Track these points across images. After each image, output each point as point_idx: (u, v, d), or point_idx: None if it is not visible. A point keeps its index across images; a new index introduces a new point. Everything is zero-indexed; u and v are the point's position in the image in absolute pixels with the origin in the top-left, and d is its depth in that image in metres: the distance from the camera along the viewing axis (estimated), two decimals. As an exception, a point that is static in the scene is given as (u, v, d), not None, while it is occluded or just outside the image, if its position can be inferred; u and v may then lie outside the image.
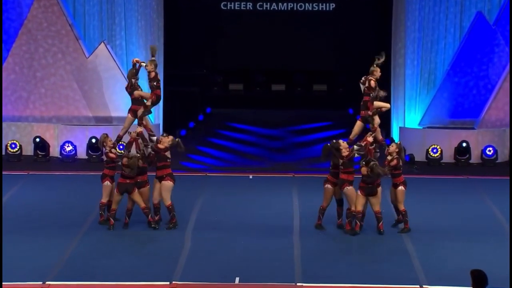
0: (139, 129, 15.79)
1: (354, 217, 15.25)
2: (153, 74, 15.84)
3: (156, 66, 15.95)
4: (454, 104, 22.76)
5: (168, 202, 15.45)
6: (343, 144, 15.27)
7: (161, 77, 22.88)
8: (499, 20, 22.60)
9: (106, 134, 15.91)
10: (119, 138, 16.31)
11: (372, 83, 15.56)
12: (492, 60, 22.65)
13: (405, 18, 22.87)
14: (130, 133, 15.86)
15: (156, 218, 15.63)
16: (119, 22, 23.02)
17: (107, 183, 15.73)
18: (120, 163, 15.65)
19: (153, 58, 15.96)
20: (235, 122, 23.79)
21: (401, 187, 15.39)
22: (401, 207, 15.43)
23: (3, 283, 11.95)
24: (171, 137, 15.61)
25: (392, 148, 15.37)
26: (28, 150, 22.35)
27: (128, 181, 15.35)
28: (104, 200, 15.78)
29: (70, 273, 13.09)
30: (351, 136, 15.73)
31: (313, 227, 15.60)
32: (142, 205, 15.47)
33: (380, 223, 15.21)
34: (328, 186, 15.51)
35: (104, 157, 16.00)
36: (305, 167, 21.20)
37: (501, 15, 22.59)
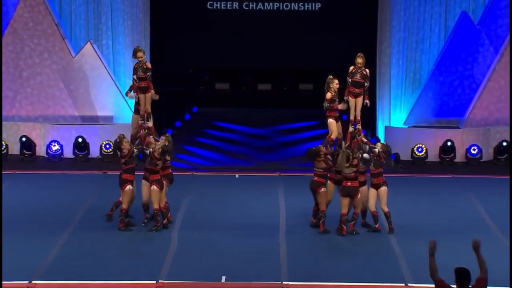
0: (150, 124, 15.84)
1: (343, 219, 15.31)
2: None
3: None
4: (439, 103, 22.81)
5: (156, 205, 15.46)
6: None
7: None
8: (483, 19, 22.66)
9: (123, 135, 15.69)
10: (133, 138, 16.08)
11: (328, 95, 15.58)
12: (477, 59, 22.71)
13: (391, 18, 22.89)
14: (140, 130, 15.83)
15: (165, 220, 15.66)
16: (106, 22, 22.96)
17: (129, 187, 15.44)
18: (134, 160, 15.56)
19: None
20: (222, 121, 23.77)
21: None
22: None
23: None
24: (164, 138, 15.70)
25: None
26: (15, 149, 22.27)
27: (170, 170, 15.40)
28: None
29: (57, 272, 13.08)
30: (332, 136, 15.64)
31: (299, 226, 15.62)
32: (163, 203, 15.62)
33: (321, 221, 15.21)
34: (329, 183, 15.57)
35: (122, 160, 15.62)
36: (291, 166, 21.20)
37: (485, 15, 22.65)
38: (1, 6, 22.20)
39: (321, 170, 15.23)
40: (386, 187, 15.33)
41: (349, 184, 15.12)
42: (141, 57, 16.16)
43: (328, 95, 15.58)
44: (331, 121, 15.65)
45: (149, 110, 16.13)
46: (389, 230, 15.30)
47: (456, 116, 22.85)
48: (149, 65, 16.31)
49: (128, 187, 15.36)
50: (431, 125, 22.87)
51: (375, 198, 15.31)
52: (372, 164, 15.33)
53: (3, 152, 21.89)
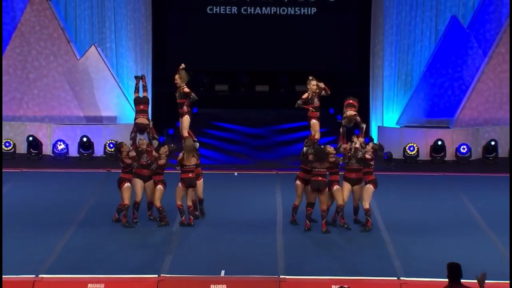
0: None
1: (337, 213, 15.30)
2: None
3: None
4: (430, 104, 22.83)
5: (159, 203, 15.50)
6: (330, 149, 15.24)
7: (149, 78, 23.03)
8: (472, 24, 22.69)
9: (123, 142, 15.63)
10: (188, 137, 15.81)
11: (305, 95, 15.56)
12: (466, 62, 22.73)
13: (383, 22, 22.91)
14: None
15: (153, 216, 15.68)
16: (109, 26, 22.97)
17: (127, 185, 15.43)
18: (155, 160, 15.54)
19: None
20: (221, 122, 23.75)
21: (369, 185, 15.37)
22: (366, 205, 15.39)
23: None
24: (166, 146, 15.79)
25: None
26: (22, 148, 22.28)
27: (190, 175, 15.31)
28: (127, 202, 15.43)
29: (62, 266, 13.08)
30: (317, 136, 15.51)
31: (295, 222, 15.60)
32: (201, 196, 15.88)
33: (323, 221, 15.08)
34: (298, 182, 15.55)
35: (121, 163, 15.53)
36: (287, 164, 21.19)
37: (474, 19, 22.68)
38: (1, 8, 22.21)
39: (324, 169, 15.15)
40: (372, 185, 15.23)
41: (319, 179, 15.09)
42: (176, 80, 15.64)
43: (305, 95, 15.59)
44: (314, 122, 15.57)
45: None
46: (365, 228, 15.20)
47: (446, 117, 22.87)
48: (186, 90, 15.64)
49: (126, 184, 15.39)
50: (422, 125, 22.89)
51: (368, 194, 15.29)
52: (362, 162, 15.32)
53: (11, 151, 21.90)
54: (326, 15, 23.99)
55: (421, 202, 17.56)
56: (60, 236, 14.66)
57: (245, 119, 23.80)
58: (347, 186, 15.36)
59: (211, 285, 12.38)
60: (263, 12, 24.07)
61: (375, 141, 22.80)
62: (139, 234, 14.98)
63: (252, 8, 23.99)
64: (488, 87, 22.55)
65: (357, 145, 15.23)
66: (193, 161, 15.39)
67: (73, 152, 22.16)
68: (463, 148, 22.11)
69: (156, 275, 12.67)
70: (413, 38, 23.01)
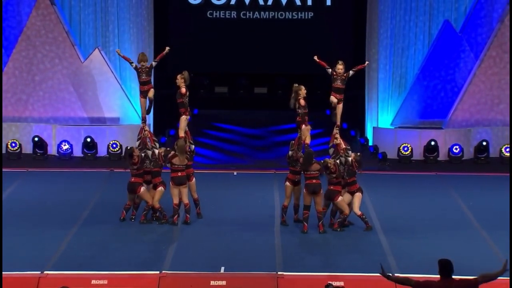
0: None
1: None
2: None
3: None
4: (424, 105, 22.84)
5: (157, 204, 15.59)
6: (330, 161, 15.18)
7: (152, 80, 22.98)
8: (464, 28, 22.71)
9: (134, 147, 15.61)
10: (182, 137, 15.73)
11: (302, 101, 15.50)
12: (458, 65, 22.75)
13: (378, 26, 22.93)
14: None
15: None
16: (113, 30, 22.98)
17: (143, 189, 15.48)
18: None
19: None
20: (221, 123, 23.75)
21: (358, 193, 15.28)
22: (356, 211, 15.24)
23: (3, 273, 11.96)
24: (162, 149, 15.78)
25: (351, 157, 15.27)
26: (28, 148, 22.28)
27: (180, 174, 15.29)
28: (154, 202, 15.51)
29: (67, 263, 13.08)
30: (307, 141, 15.46)
31: (292, 219, 15.60)
32: (195, 196, 15.80)
33: (320, 222, 15.01)
34: (287, 184, 15.53)
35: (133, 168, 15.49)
36: (285, 164, 21.14)
37: (466, 24, 22.70)
38: (1, 8, 22.22)
39: (316, 172, 15.08)
40: (360, 193, 15.18)
41: (314, 181, 15.03)
42: (177, 80, 16.15)
43: (302, 102, 15.56)
44: (305, 127, 15.55)
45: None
46: (367, 228, 15.16)
47: (439, 118, 22.88)
48: (183, 90, 16.21)
49: (143, 188, 15.43)
50: (416, 126, 22.89)
51: (348, 202, 15.19)
52: (345, 173, 15.17)
53: (17, 151, 21.91)
54: (322, 19, 23.99)
55: (415, 201, 17.59)
56: (64, 233, 14.67)
57: (244, 120, 23.80)
58: (347, 196, 15.27)
59: (211, 281, 12.38)
60: (261, 17, 24.06)
61: (370, 142, 22.84)
62: (141, 232, 14.99)
63: (251, 12, 23.98)
64: (480, 89, 22.57)
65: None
66: (183, 161, 15.35)
67: (77, 152, 22.16)
68: (456, 148, 22.12)
69: (158, 272, 12.68)
70: (407, 42, 23.03)
